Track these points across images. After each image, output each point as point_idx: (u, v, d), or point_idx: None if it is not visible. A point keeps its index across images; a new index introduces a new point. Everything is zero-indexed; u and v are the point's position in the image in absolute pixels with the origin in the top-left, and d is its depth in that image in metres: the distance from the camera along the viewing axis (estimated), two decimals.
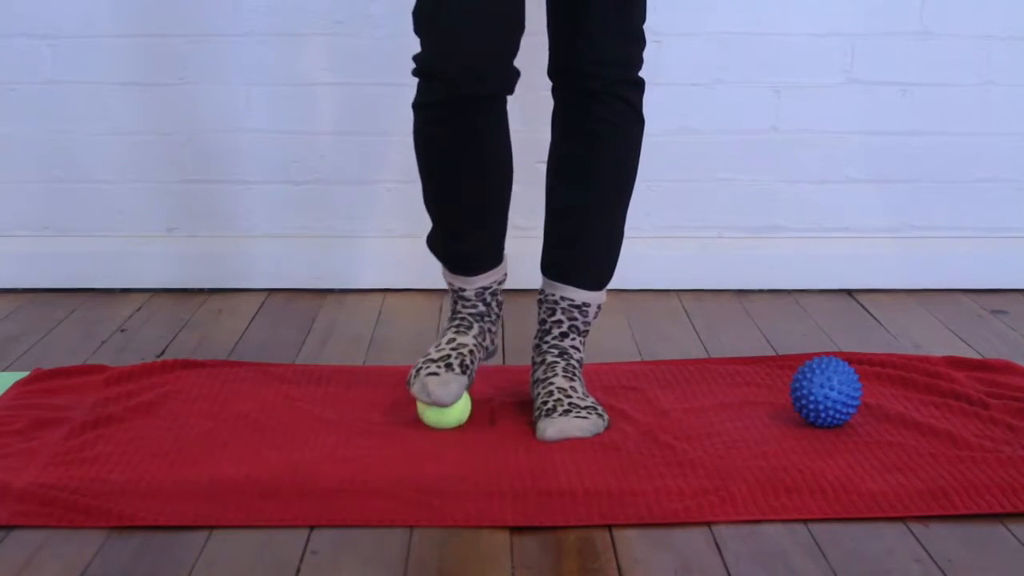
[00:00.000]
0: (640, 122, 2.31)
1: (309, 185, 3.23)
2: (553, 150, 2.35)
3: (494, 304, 2.38)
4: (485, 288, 2.35)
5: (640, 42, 2.27)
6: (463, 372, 2.27)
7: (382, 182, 3.21)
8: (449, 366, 2.27)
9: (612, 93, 2.26)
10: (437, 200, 2.29)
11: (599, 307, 2.37)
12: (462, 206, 2.29)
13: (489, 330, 2.38)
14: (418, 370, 2.28)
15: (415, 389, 2.26)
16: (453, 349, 2.30)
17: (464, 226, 2.31)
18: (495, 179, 2.27)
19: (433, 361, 2.28)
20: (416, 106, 2.23)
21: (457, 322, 2.36)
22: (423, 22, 2.17)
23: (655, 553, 1.87)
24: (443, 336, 2.35)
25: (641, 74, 2.29)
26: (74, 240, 3.23)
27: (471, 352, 2.31)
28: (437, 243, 2.35)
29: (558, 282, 2.34)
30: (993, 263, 3.26)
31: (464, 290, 2.35)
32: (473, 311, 2.35)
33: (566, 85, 2.30)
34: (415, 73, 2.20)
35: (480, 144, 2.22)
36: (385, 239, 3.23)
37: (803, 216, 3.27)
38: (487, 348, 2.39)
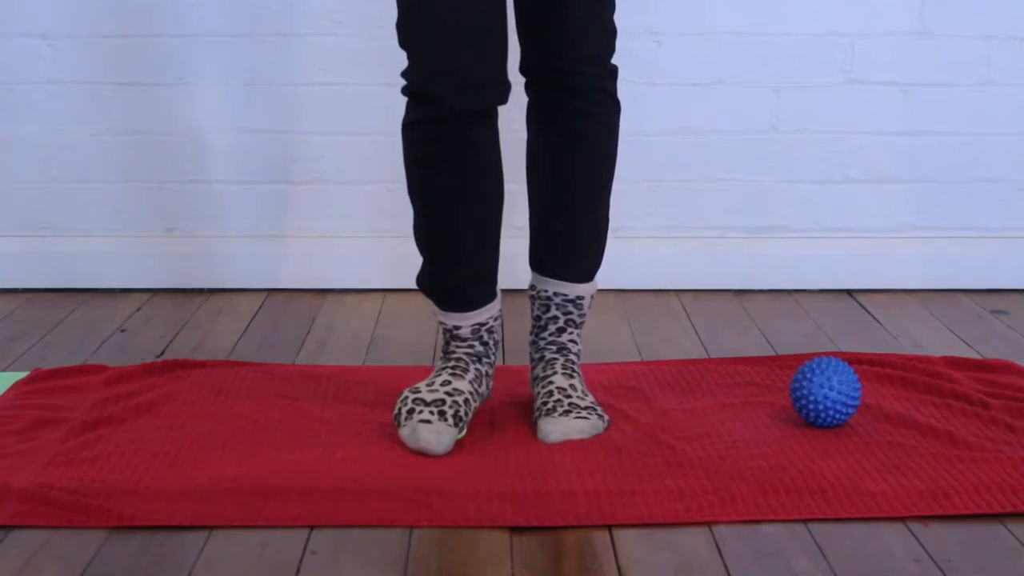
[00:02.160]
0: (618, 108, 2.29)
1: (309, 185, 3.22)
2: (534, 147, 2.31)
3: (491, 343, 2.28)
4: (481, 324, 2.26)
5: (614, 33, 2.25)
6: (456, 424, 2.17)
7: (382, 182, 3.21)
8: (443, 414, 2.16)
9: (594, 88, 2.25)
10: (430, 226, 2.21)
11: (592, 296, 2.35)
12: (457, 229, 2.20)
13: (486, 374, 2.27)
14: (410, 411, 2.18)
15: (404, 433, 2.16)
16: (448, 394, 2.19)
17: (459, 253, 2.22)
18: (490, 196, 2.22)
19: (426, 404, 2.18)
20: (407, 126, 2.17)
21: (452, 363, 2.25)
22: (410, 38, 2.12)
23: (655, 553, 1.87)
24: (436, 376, 2.24)
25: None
26: (74, 240, 3.22)
27: (466, 402, 2.20)
28: (429, 279, 2.26)
29: (550, 278, 2.32)
30: (993, 263, 3.26)
31: (459, 328, 2.25)
32: (469, 351, 2.26)
33: (545, 83, 2.25)
34: (406, 92, 2.14)
35: (476, 160, 2.18)
36: (385, 239, 3.23)
37: (803, 216, 3.27)
38: (482, 395, 2.28)
